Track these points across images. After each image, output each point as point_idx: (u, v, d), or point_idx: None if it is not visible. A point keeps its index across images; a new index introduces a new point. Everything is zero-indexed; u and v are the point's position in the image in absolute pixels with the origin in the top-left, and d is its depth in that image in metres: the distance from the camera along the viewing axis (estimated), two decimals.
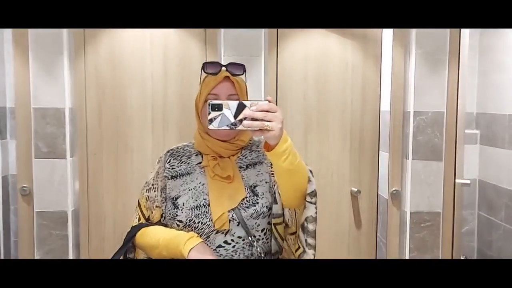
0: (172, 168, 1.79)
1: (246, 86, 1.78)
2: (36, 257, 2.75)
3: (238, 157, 1.78)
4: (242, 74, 1.75)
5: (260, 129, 1.40)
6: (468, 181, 3.04)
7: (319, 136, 2.99)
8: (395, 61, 2.96)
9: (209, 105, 1.43)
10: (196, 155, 1.81)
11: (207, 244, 1.65)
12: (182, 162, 1.80)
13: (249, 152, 1.79)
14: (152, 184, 1.81)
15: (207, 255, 1.59)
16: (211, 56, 2.84)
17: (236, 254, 1.66)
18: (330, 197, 3.06)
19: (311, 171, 1.66)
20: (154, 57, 2.87)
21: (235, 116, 1.42)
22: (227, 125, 1.43)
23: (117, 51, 2.85)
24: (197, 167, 1.77)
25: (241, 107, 1.42)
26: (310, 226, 1.64)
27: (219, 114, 1.43)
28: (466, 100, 3.14)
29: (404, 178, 2.92)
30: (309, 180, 1.62)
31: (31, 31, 2.67)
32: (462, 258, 3.44)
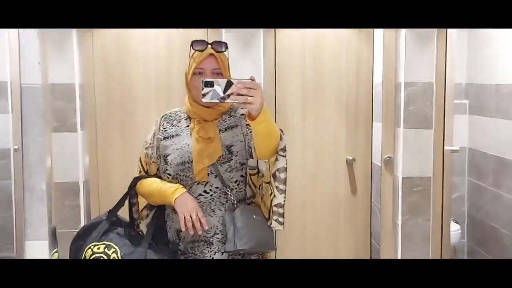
0: (165, 131, 2.07)
1: (228, 62, 2.05)
2: (50, 226, 2.91)
3: (219, 120, 2.04)
4: (224, 51, 2.03)
5: (244, 102, 1.69)
6: (457, 148, 3.17)
7: (316, 109, 3.14)
8: (386, 36, 3.11)
9: (202, 82, 1.72)
10: (185, 119, 2.09)
11: (190, 193, 1.94)
12: (173, 126, 2.08)
13: (228, 117, 2.06)
14: (150, 143, 2.09)
15: (189, 202, 1.90)
16: (213, 34, 2.99)
17: (213, 201, 1.95)
18: (327, 166, 3.22)
19: (282, 131, 1.91)
20: (158, 36, 3.02)
21: (224, 92, 1.70)
22: (217, 99, 1.71)
23: (122, 31, 3.00)
24: (185, 130, 2.05)
25: (229, 84, 1.70)
26: (282, 175, 1.90)
27: (211, 90, 1.71)
28: (455, 72, 3.27)
29: (396, 145, 3.09)
30: (281, 139, 1.89)
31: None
32: (452, 221, 3.59)
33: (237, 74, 2.71)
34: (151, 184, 2.02)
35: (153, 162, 2.07)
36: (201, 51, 1.99)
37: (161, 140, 2.04)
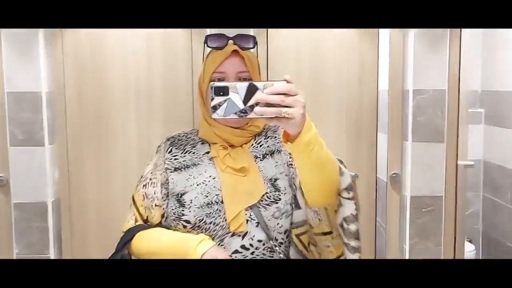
0: (175, 159, 1.58)
1: (258, 62, 1.57)
2: (15, 251, 2.60)
3: (252, 145, 1.57)
4: (253, 48, 1.55)
5: (276, 117, 1.17)
6: (472, 162, 2.89)
7: (314, 118, 2.75)
8: (393, 37, 2.78)
9: (211, 88, 1.19)
10: (202, 143, 1.60)
11: (222, 248, 1.45)
12: (186, 152, 1.59)
13: (265, 139, 1.58)
14: (150, 179, 1.61)
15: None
16: (196, 32, 2.66)
17: None
18: None
19: (341, 162, 1.42)
20: (136, 35, 2.69)
21: (245, 101, 1.18)
22: (235, 113, 1.19)
23: (96, 31, 2.66)
24: (205, 158, 1.56)
25: (252, 90, 1.18)
26: (352, 227, 1.40)
27: (225, 100, 1.18)
28: (470, 78, 2.99)
29: (404, 160, 2.77)
30: (341, 173, 1.37)
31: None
32: (466, 241, 3.32)
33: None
34: (158, 238, 1.49)
35: (156, 205, 1.57)
36: (220, 48, 1.52)
37: (171, 172, 1.56)
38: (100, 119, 2.72)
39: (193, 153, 1.59)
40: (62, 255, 2.72)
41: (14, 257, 2.61)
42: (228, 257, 1.43)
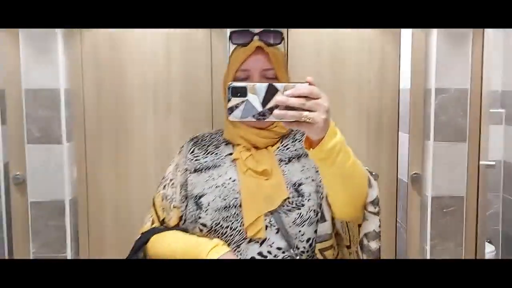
0: (196, 160, 1.52)
1: (285, 59, 1.49)
2: (32, 250, 2.57)
3: (278, 147, 1.50)
4: (279, 44, 1.48)
5: (296, 121, 1.11)
6: (493, 163, 2.86)
7: (333, 117, 2.74)
8: (415, 35, 2.73)
9: (229, 88, 1.13)
10: (225, 144, 1.54)
11: (237, 256, 1.38)
12: (208, 153, 1.53)
13: (292, 142, 1.50)
14: (170, 179, 1.55)
15: None
16: (215, 30, 2.63)
17: None
18: None
19: (371, 173, 1.34)
20: (155, 33, 2.65)
21: (264, 103, 1.11)
22: (253, 115, 1.12)
23: (115, 29, 2.63)
24: (227, 159, 1.49)
25: (271, 91, 1.11)
26: (372, 245, 1.32)
27: (243, 101, 1.12)
28: (491, 78, 2.93)
29: (425, 160, 2.72)
30: (370, 184, 1.29)
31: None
32: (486, 242, 3.26)
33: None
34: (172, 241, 1.44)
35: (174, 207, 1.51)
36: (245, 45, 1.44)
37: (191, 173, 1.50)
38: (118, 117, 2.68)
39: (216, 154, 1.53)
40: (79, 255, 2.69)
41: (31, 257, 2.58)
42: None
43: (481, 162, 2.73)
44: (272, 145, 1.50)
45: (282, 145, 1.51)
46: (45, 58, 2.49)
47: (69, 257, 2.58)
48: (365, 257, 1.34)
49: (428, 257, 2.70)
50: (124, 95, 2.67)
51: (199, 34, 2.65)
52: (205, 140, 1.60)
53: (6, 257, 2.91)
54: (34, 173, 2.54)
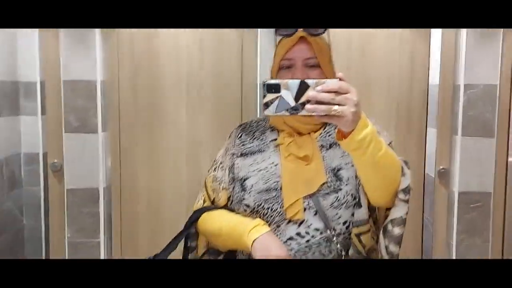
0: (243, 145, 1.59)
1: (329, 49, 1.53)
2: (67, 235, 2.67)
3: (321, 134, 1.54)
4: (322, 33, 1.51)
5: (327, 115, 1.18)
6: None
7: (363, 110, 2.78)
8: (444, 32, 2.74)
9: (263, 85, 1.21)
10: (271, 130, 1.60)
11: (277, 235, 1.44)
12: (254, 138, 1.59)
13: (334, 129, 1.51)
14: (220, 163, 1.62)
15: (274, 247, 1.39)
16: (247, 33, 2.71)
17: (310, 250, 1.45)
18: None
19: (406, 163, 1.41)
20: (190, 30, 2.73)
21: (297, 99, 1.19)
22: (287, 110, 1.20)
23: None
24: (271, 145, 1.56)
25: (303, 87, 1.18)
26: (396, 230, 1.37)
27: (277, 97, 1.20)
28: None
29: (453, 155, 2.73)
30: (403, 173, 1.36)
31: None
32: None
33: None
34: (219, 220, 1.53)
35: (223, 188, 1.58)
36: (289, 35, 1.48)
37: (237, 157, 1.57)
38: (152, 108, 2.77)
39: (261, 139, 1.59)
40: (112, 241, 2.78)
41: (66, 241, 2.67)
42: (281, 245, 1.43)
43: (509, 158, 2.74)
44: (315, 131, 1.56)
45: (325, 132, 1.56)
46: (83, 51, 2.58)
47: (102, 243, 2.67)
48: (386, 241, 1.39)
49: (454, 252, 2.71)
50: (157, 87, 2.76)
51: (231, 29, 2.71)
52: (252, 126, 1.66)
53: (43, 242, 3.02)
54: (71, 161, 2.63)
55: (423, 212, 2.93)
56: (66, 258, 2.69)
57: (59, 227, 2.71)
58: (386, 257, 1.40)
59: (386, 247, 1.40)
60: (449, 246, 2.75)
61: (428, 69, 2.82)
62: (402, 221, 1.37)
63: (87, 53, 2.58)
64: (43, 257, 3.06)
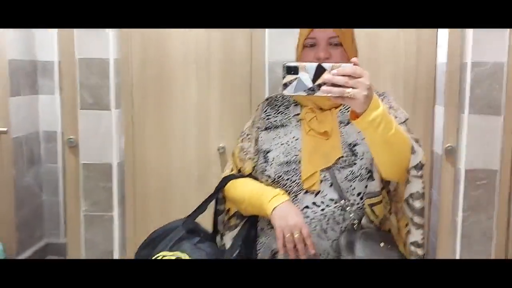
0: (267, 119, 1.68)
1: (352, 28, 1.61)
2: (82, 209, 2.77)
3: (340, 109, 1.62)
4: None
5: (340, 96, 1.27)
6: None
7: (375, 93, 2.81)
8: None
9: (284, 67, 1.31)
10: (295, 105, 1.68)
11: (295, 204, 1.55)
12: (279, 113, 1.68)
13: None
14: (247, 134, 1.72)
15: (292, 214, 1.50)
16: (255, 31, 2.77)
17: (325, 218, 1.53)
18: None
19: (417, 141, 1.51)
20: None
21: (314, 80, 1.29)
22: (304, 90, 1.30)
23: None
24: (294, 119, 1.65)
25: (320, 70, 1.28)
26: (417, 204, 1.47)
27: (295, 78, 1.30)
28: None
29: (460, 133, 2.76)
30: (413, 151, 1.45)
31: None
32: None
33: (281, 57, 2.36)
34: (243, 187, 1.63)
35: (248, 158, 1.67)
36: None
37: (262, 130, 1.67)
38: (164, 86, 2.85)
39: (285, 114, 1.67)
40: (125, 215, 2.87)
41: (81, 215, 2.77)
42: (298, 212, 1.52)
43: None
44: (336, 107, 1.64)
45: (344, 108, 1.63)
46: (96, 30, 2.66)
47: (116, 217, 2.77)
48: (411, 214, 1.49)
49: (459, 228, 2.74)
50: (168, 65, 2.83)
51: None
52: (278, 100, 1.74)
53: (61, 217, 3.14)
54: (85, 137, 2.73)
55: (430, 188, 2.97)
56: (82, 231, 2.79)
57: (75, 200, 2.80)
58: (413, 228, 1.49)
59: (411, 219, 1.49)
60: (454, 222, 2.79)
61: (436, 47, 2.85)
62: (420, 195, 1.47)
63: (101, 33, 2.66)
64: (61, 231, 3.19)
